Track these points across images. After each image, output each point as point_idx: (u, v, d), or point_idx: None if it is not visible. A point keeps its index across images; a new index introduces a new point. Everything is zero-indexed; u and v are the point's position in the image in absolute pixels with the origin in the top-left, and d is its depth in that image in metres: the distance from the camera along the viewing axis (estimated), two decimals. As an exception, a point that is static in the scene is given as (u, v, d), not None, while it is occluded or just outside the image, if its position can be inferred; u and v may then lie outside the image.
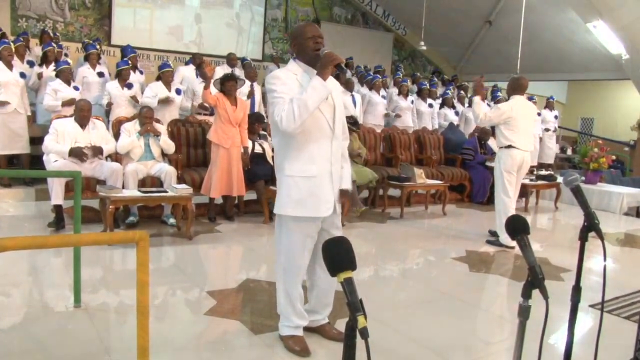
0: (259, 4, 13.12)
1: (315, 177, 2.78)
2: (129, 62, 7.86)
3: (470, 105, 10.71)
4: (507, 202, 5.73)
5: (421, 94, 10.35)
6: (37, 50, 8.84)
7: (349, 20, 14.63)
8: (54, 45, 8.07)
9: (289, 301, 2.96)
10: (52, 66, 7.66)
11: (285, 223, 2.87)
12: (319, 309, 3.14)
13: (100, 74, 7.99)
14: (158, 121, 6.18)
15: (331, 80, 2.78)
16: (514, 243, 5.67)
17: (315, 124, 2.75)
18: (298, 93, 2.68)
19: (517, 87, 5.78)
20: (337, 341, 3.09)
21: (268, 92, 2.80)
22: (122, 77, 7.35)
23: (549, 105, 11.89)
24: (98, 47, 8.70)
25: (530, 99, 11.46)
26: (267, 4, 13.22)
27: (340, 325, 3.35)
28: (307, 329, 3.12)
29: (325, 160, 2.81)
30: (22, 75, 6.94)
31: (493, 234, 6.13)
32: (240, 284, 4.09)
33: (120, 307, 3.56)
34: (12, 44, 7.17)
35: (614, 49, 11.29)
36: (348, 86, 9.22)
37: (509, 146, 5.69)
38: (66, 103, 6.69)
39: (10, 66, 6.75)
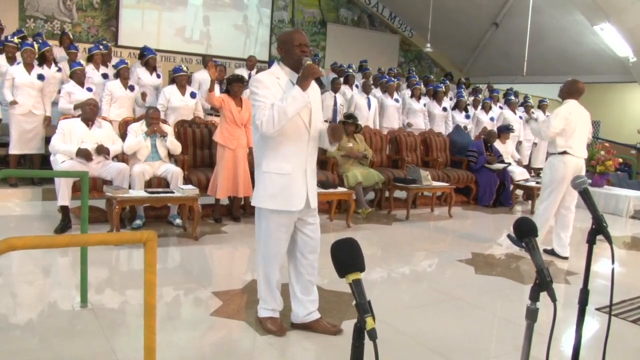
0: (267, 5, 13.15)
1: (290, 174, 3.01)
2: (127, 61, 7.82)
3: (483, 107, 10.67)
4: (551, 212, 5.45)
5: (437, 97, 10.30)
6: (56, 50, 8.85)
7: (355, 22, 14.64)
8: (50, 45, 8.07)
9: (269, 286, 3.20)
10: (53, 67, 7.67)
11: (263, 214, 3.12)
12: (306, 302, 3.24)
13: (105, 75, 7.99)
14: (165, 122, 6.19)
15: (311, 85, 3.02)
16: (567, 253, 5.48)
17: (293, 126, 2.96)
18: (280, 97, 2.91)
19: (573, 91, 5.41)
20: (333, 335, 3.21)
21: (251, 94, 3.01)
22: (122, 76, 7.34)
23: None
24: (101, 47, 8.64)
25: (542, 101, 11.46)
26: (274, 6, 13.25)
27: (348, 326, 3.35)
28: (300, 326, 3.25)
29: (300, 159, 3.04)
30: (41, 77, 6.93)
31: (551, 252, 5.61)
32: (246, 285, 4.09)
33: (126, 307, 3.57)
34: (36, 45, 7.21)
35: (621, 52, 11.25)
36: (365, 89, 9.24)
37: (564, 152, 5.34)
38: (78, 106, 6.72)
39: (29, 68, 6.80)
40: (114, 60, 8.83)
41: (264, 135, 2.94)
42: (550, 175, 5.42)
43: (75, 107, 6.71)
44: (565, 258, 5.49)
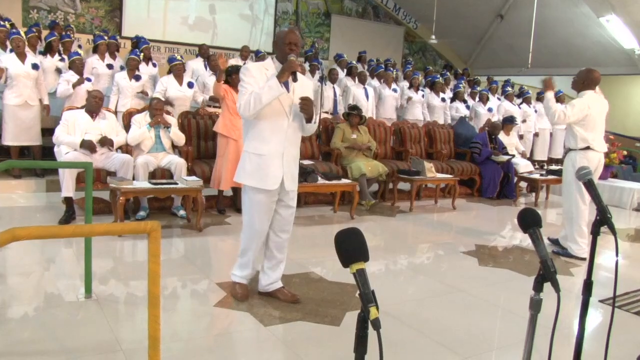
0: (272, -5, 13.09)
1: (265, 155, 3.32)
2: (139, 52, 7.84)
3: (480, 99, 10.65)
4: (583, 209, 5.20)
5: (434, 88, 10.27)
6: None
7: (360, 14, 14.57)
8: (57, 35, 8.07)
9: (245, 257, 3.53)
10: (56, 56, 7.67)
11: (245, 190, 3.45)
12: (270, 274, 3.60)
13: (110, 66, 7.99)
14: (169, 113, 6.20)
15: (303, 78, 3.43)
16: (586, 254, 5.15)
17: (273, 112, 3.28)
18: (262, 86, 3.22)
19: (589, 81, 5.22)
20: (292, 303, 3.54)
21: (240, 80, 3.35)
22: (129, 67, 7.34)
23: (559, 100, 11.79)
24: (106, 38, 8.64)
25: (540, 93, 11.41)
26: (278, -4, 13.20)
27: (351, 318, 3.36)
28: (263, 294, 3.62)
29: (277, 143, 3.33)
30: (35, 66, 6.82)
31: (554, 242, 5.55)
32: (250, 276, 4.10)
33: (130, 298, 3.59)
34: (23, 34, 7.16)
35: (627, 44, 11.20)
36: (361, 79, 9.24)
37: (586, 148, 5.15)
38: (76, 84, 6.72)
39: (22, 57, 6.72)
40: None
41: (242, 118, 3.32)
42: (573, 172, 5.12)
43: (74, 86, 6.74)
44: (583, 259, 5.22)
